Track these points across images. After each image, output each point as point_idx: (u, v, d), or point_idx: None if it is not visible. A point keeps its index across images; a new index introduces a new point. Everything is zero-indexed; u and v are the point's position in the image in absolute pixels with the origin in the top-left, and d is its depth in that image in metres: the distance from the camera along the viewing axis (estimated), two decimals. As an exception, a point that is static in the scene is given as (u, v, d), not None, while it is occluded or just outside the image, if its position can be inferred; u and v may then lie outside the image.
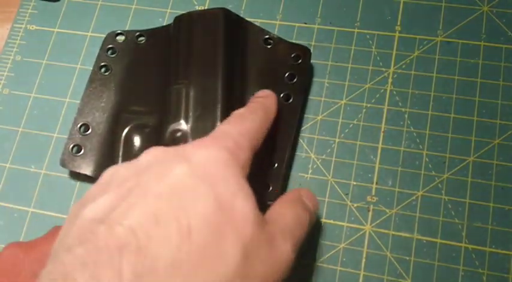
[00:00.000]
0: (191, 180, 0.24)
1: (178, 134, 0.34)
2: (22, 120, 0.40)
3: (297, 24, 0.40)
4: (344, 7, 0.40)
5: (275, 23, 0.40)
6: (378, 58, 0.38)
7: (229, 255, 0.22)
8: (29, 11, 0.43)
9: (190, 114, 0.34)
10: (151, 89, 0.37)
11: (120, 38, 0.40)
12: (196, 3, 0.42)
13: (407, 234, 0.34)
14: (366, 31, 0.39)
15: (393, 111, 0.37)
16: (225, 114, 0.34)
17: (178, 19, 0.37)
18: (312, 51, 0.37)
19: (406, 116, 0.36)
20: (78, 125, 0.37)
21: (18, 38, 0.43)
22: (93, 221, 0.22)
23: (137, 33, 0.39)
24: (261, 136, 0.30)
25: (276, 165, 0.35)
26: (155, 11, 0.42)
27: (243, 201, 0.24)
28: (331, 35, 0.39)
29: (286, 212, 0.28)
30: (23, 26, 0.43)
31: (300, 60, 0.37)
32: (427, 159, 0.35)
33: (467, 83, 0.37)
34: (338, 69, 0.38)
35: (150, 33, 0.39)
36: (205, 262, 0.22)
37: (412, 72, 0.37)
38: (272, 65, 0.37)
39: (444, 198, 0.34)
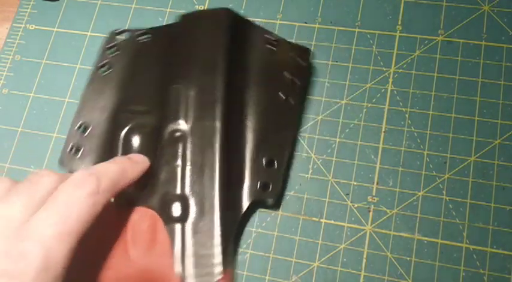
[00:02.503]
0: None
1: (178, 133, 0.34)
2: (21, 120, 0.40)
3: (298, 24, 0.40)
4: (345, 6, 0.40)
5: (275, 23, 0.40)
6: (379, 58, 0.38)
7: None
8: (29, 10, 0.43)
9: (190, 114, 0.34)
10: (152, 88, 0.37)
11: (121, 37, 0.39)
12: (196, 2, 0.42)
13: (408, 235, 0.34)
14: (366, 31, 0.39)
15: (394, 111, 0.37)
16: (225, 114, 0.34)
17: (182, 18, 0.37)
18: (312, 50, 0.37)
19: (407, 115, 0.36)
20: (77, 125, 0.37)
21: (18, 37, 0.42)
22: None
23: (139, 32, 0.39)
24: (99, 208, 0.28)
25: (276, 165, 0.35)
26: (155, 10, 0.42)
27: None
28: (331, 35, 0.39)
29: None
30: (23, 25, 0.43)
31: (300, 61, 0.37)
32: (428, 159, 0.35)
33: (468, 82, 0.36)
34: (339, 69, 0.38)
35: (153, 32, 0.39)
36: None
37: (413, 71, 0.37)
38: (273, 65, 0.37)
39: (445, 199, 0.34)
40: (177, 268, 0.31)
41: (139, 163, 0.33)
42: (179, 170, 0.33)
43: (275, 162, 0.35)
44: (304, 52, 0.37)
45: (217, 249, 0.31)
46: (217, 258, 0.31)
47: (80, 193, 0.27)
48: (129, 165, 0.31)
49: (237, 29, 0.37)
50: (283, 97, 0.36)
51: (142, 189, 0.33)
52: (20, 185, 0.27)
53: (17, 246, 0.25)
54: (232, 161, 0.34)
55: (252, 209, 0.34)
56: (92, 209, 0.27)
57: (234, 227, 0.33)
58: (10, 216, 0.26)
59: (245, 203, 0.34)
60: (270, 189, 0.34)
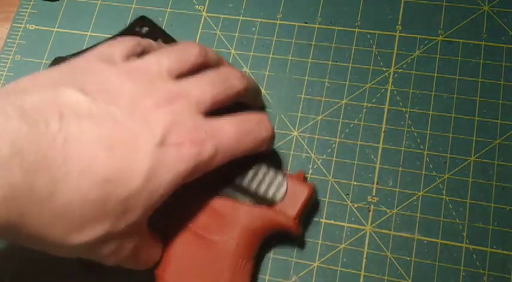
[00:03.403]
0: None
1: None
2: (21, 120, 0.40)
3: (298, 24, 0.40)
4: (345, 6, 0.40)
5: (275, 23, 0.40)
6: (379, 58, 0.38)
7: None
8: (29, 10, 0.43)
9: None
10: None
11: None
12: (196, 2, 0.42)
13: (408, 235, 0.34)
14: (366, 31, 0.39)
15: (394, 111, 0.37)
16: None
17: None
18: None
19: (407, 115, 0.36)
20: None
21: (18, 37, 0.42)
22: None
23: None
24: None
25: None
26: (155, 10, 0.42)
27: None
28: (331, 35, 0.39)
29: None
30: (23, 25, 0.43)
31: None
32: (427, 159, 0.35)
33: (468, 82, 0.36)
34: (338, 69, 0.38)
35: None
36: None
37: (413, 72, 0.37)
38: None
39: (445, 199, 0.34)
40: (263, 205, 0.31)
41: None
42: None
43: None
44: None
45: (264, 167, 0.32)
46: (271, 171, 0.32)
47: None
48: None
49: None
50: None
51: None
52: (168, 47, 0.32)
53: (208, 124, 0.29)
54: None
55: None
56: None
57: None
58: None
59: None
60: None
